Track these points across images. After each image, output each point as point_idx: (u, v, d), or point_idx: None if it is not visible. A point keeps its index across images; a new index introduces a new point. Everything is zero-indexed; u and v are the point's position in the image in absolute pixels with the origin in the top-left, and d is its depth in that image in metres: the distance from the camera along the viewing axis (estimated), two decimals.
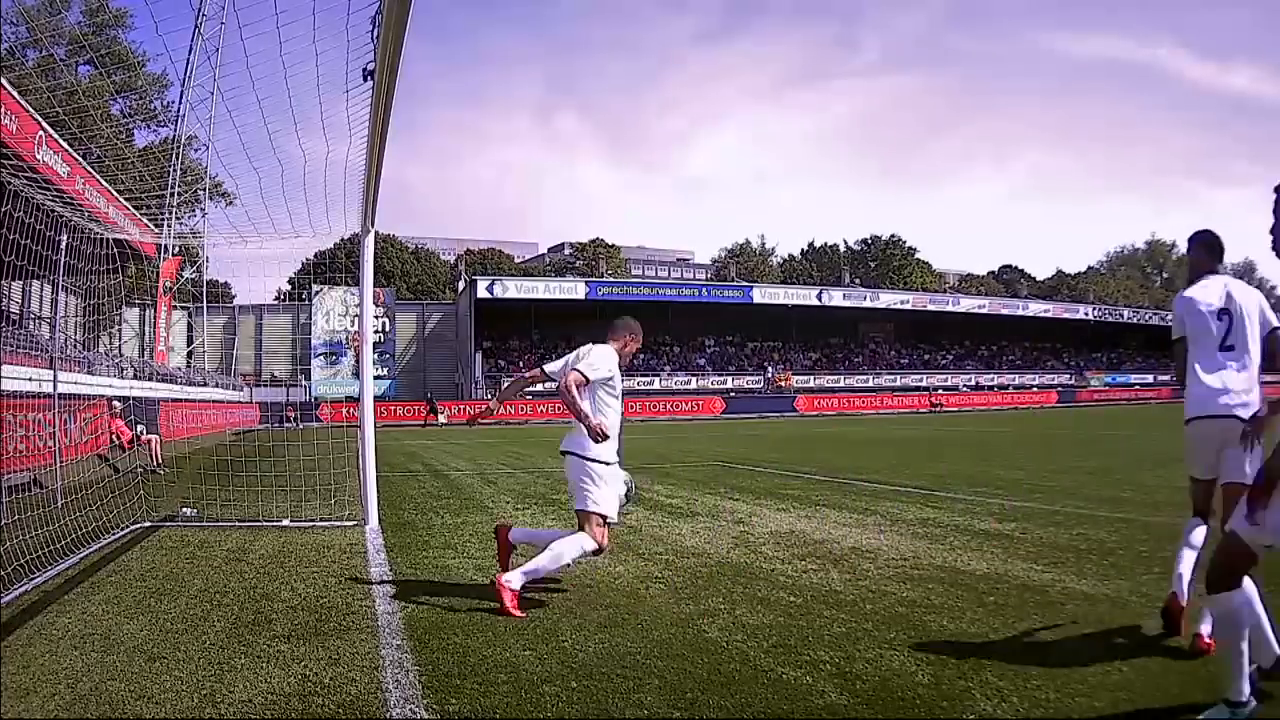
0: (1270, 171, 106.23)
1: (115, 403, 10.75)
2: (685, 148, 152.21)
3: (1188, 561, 3.13)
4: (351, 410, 7.66)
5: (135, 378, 16.70)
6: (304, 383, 35.49)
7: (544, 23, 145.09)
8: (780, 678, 2.72)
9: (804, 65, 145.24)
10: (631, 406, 36.09)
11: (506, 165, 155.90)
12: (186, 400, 20.21)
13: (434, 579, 4.28)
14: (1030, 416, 28.64)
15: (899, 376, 45.32)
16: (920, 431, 21.00)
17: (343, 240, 7.97)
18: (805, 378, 43.16)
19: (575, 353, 3.82)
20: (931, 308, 47.67)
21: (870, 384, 43.71)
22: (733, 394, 40.05)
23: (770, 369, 42.98)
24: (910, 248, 68.37)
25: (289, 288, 32.12)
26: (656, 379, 40.32)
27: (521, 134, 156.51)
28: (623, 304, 41.60)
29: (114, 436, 10.17)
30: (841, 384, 43.04)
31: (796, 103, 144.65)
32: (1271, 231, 2.49)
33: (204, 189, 28.87)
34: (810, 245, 69.95)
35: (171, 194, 25.65)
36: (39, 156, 10.43)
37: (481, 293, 37.47)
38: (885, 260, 67.52)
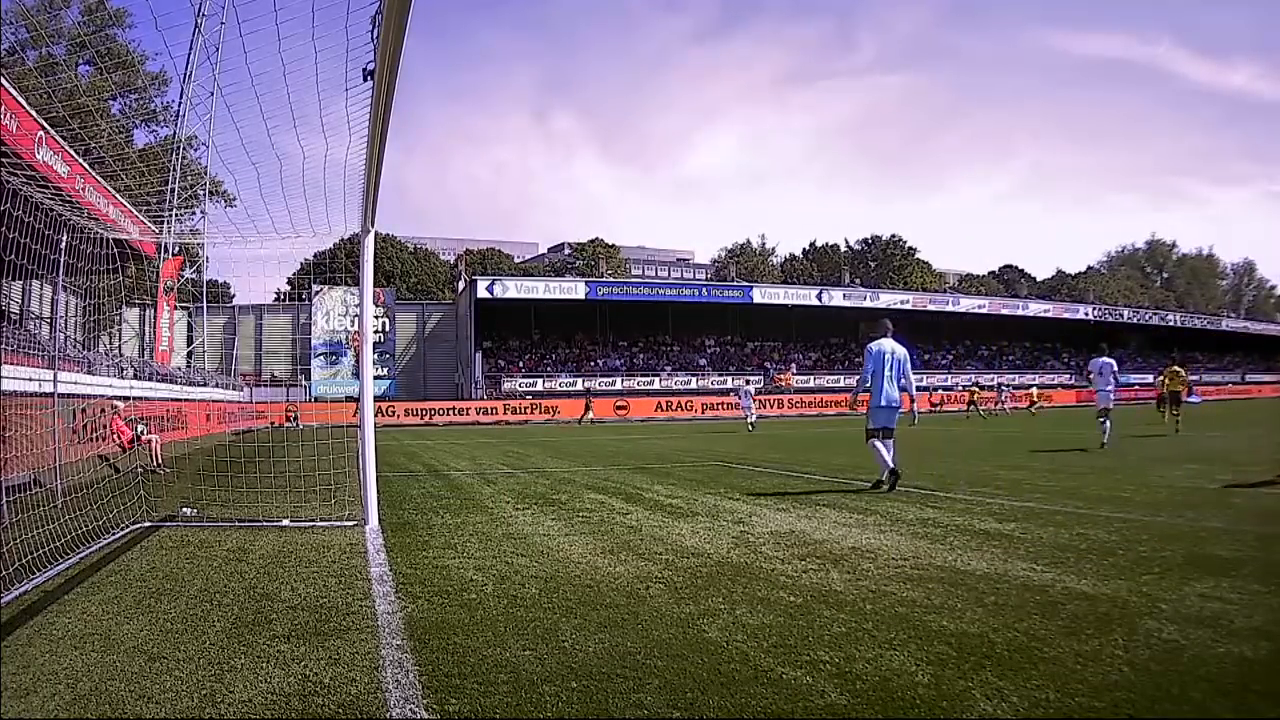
0: (1271, 171, 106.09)
1: (117, 402, 10.76)
2: (685, 147, 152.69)
3: None
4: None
5: (135, 378, 16.68)
6: (304, 383, 35.51)
7: (542, 22, 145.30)
8: (780, 678, 2.72)
9: (802, 64, 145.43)
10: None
11: (505, 165, 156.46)
12: (186, 400, 20.20)
13: (434, 579, 4.27)
14: (1030, 416, 28.63)
15: None
16: (921, 431, 20.97)
17: (343, 240, 7.96)
18: (805, 377, 43.14)
19: None
20: (931, 307, 47.63)
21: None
22: (733, 394, 40.07)
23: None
24: (910, 248, 68.48)
25: (288, 288, 32.20)
26: (656, 379, 40.30)
27: (520, 133, 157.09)
28: (623, 304, 41.70)
29: (114, 436, 10.16)
30: (841, 384, 43.03)
31: (795, 102, 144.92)
32: None
33: (204, 189, 28.91)
34: (810, 245, 70.10)
35: (171, 194, 25.66)
36: (38, 155, 10.43)
37: (481, 293, 37.47)
38: (885, 260, 67.61)
